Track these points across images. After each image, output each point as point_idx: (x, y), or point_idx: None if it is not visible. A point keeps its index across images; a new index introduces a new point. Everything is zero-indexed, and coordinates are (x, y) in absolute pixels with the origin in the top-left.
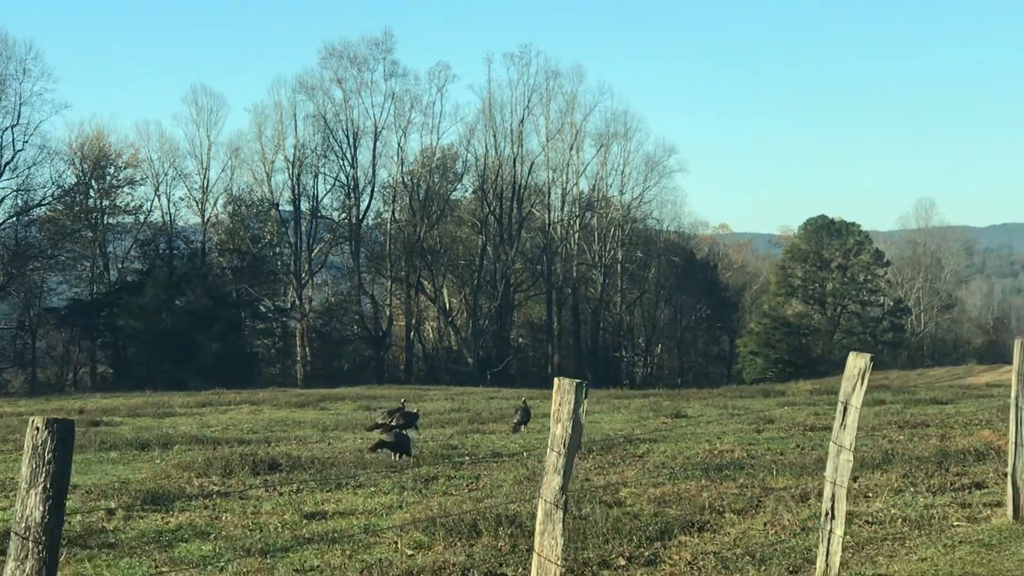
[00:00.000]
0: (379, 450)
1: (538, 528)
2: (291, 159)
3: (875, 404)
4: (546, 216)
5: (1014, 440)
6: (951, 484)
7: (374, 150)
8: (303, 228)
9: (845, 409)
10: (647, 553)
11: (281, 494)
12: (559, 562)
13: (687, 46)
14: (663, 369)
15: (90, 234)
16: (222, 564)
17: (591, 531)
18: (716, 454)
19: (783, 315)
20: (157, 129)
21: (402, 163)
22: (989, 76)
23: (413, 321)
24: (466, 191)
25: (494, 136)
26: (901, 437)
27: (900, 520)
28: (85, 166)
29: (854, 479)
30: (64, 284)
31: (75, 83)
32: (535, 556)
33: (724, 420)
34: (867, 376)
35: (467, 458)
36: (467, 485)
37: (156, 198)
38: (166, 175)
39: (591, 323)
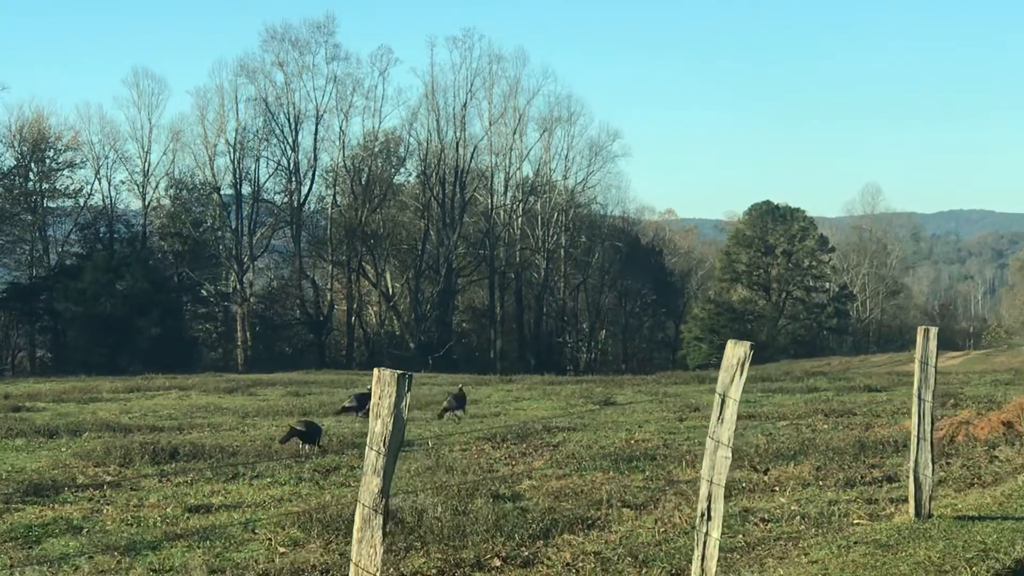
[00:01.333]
0: (290, 439)
1: (356, 535)
2: (232, 143)
3: (808, 391)
4: (489, 201)
5: (916, 434)
6: (862, 477)
7: (315, 134)
8: (244, 212)
9: (723, 401)
10: (526, 553)
11: (176, 485)
12: (378, 572)
13: (633, 31)
14: (607, 355)
15: (29, 217)
16: (79, 563)
17: (472, 528)
18: (632, 443)
19: (728, 301)
20: (98, 112)
21: (344, 147)
22: (936, 64)
23: (354, 306)
24: (409, 175)
25: (437, 120)
26: (825, 426)
27: (799, 518)
28: (24, 148)
29: (764, 472)
30: (2, 268)
31: (14, 65)
32: (352, 566)
33: (652, 407)
34: (747, 366)
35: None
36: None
37: (97, 181)
38: (107, 158)
39: (534, 308)
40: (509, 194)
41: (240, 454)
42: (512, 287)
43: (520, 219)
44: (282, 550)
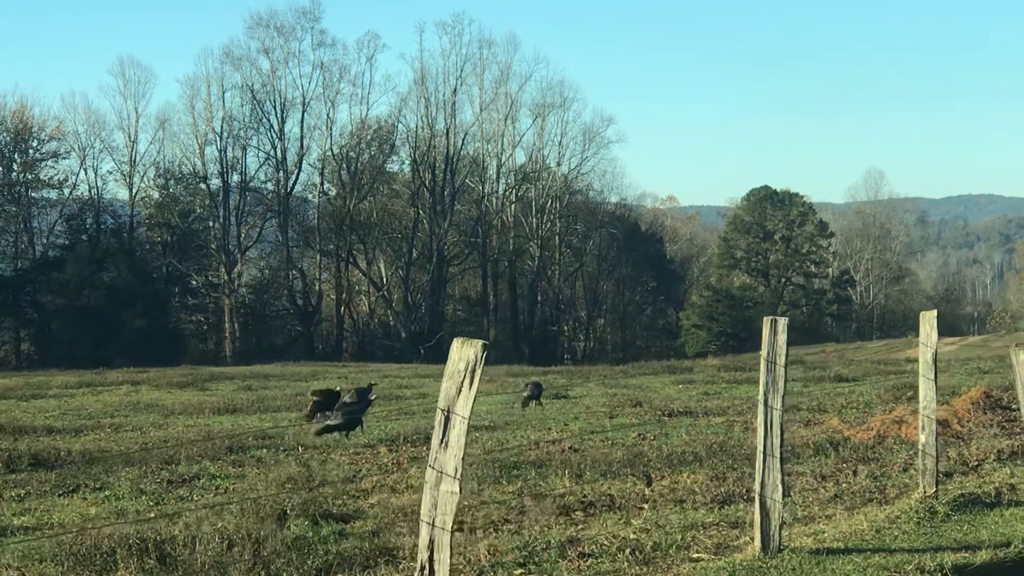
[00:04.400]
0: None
1: None
2: (220, 132)
3: None
4: (481, 188)
5: (763, 448)
6: (747, 491)
7: (302, 122)
8: (233, 202)
9: (447, 419)
10: None
11: (6, 500)
12: None
13: (632, 17)
14: (606, 343)
15: (13, 208)
16: None
17: (237, 565)
18: (539, 446)
19: (726, 287)
20: (83, 101)
21: (331, 134)
22: (941, 47)
23: (344, 296)
24: (403, 163)
25: (426, 107)
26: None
27: (628, 551)
28: (7, 138)
29: (648, 484)
30: None
31: None
32: None
33: (600, 401)
34: (479, 373)
35: (263, 451)
36: (218, 488)
37: (83, 171)
38: (92, 148)
39: (528, 297)
40: (502, 181)
41: (104, 461)
42: (506, 275)
43: (513, 206)
44: None
